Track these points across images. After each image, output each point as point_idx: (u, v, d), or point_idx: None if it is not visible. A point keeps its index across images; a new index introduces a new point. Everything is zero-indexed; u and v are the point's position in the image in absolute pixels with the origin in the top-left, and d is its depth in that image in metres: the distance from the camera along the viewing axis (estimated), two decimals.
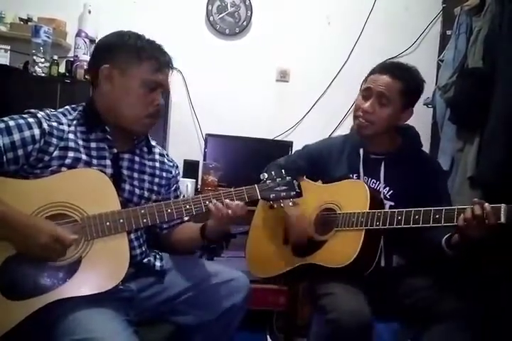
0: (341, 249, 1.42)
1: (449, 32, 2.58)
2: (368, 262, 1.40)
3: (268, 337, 2.26)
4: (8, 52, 2.32)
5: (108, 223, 1.16)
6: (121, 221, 1.17)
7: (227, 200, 1.23)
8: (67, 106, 1.30)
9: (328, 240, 1.47)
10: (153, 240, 1.43)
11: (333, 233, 1.47)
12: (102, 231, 1.15)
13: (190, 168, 2.46)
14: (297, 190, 1.28)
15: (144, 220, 1.19)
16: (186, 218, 1.43)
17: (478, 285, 1.53)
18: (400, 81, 1.47)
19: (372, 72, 1.53)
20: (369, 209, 1.42)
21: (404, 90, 1.47)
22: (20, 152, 1.14)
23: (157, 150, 1.43)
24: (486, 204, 1.21)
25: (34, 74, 2.28)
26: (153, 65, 1.24)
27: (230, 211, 1.22)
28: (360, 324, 1.26)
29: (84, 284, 1.10)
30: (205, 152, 2.58)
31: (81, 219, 1.15)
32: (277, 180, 1.28)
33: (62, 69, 2.42)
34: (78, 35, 2.43)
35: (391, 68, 1.50)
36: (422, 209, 1.32)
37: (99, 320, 1.05)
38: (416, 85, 1.51)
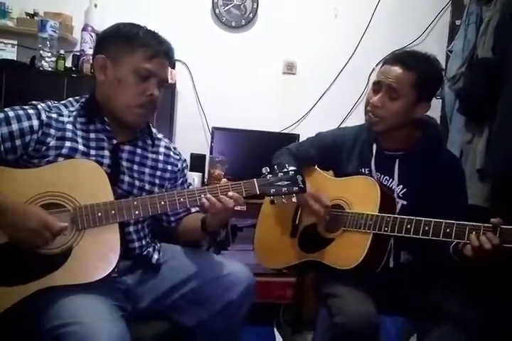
0: (348, 250, 1.38)
1: (458, 22, 2.54)
2: (375, 264, 1.37)
3: (275, 329, 2.27)
4: (15, 47, 2.34)
5: (100, 214, 1.15)
6: (113, 212, 1.16)
7: (221, 195, 1.19)
8: (70, 98, 1.30)
9: (336, 239, 1.44)
10: (161, 233, 1.42)
11: (340, 232, 1.43)
12: (94, 222, 1.15)
13: (197, 162, 2.45)
14: (300, 186, 1.19)
15: (136, 212, 1.18)
16: (193, 209, 1.41)
17: (484, 288, 1.51)
18: (412, 72, 1.34)
19: (385, 62, 1.42)
20: (379, 209, 1.37)
21: (418, 82, 1.35)
22: (18, 142, 1.16)
23: (163, 143, 1.41)
24: (503, 227, 1.15)
25: (41, 68, 2.29)
26: (145, 53, 1.22)
27: (222, 205, 1.18)
28: (368, 328, 1.23)
29: (73, 273, 1.10)
30: (211, 145, 2.57)
31: (73, 209, 1.15)
32: (279, 174, 1.21)
33: (68, 63, 2.42)
34: (84, 29, 2.43)
35: (404, 58, 1.37)
36: (433, 220, 1.26)
37: (86, 304, 1.05)
38: (431, 76, 1.38)
